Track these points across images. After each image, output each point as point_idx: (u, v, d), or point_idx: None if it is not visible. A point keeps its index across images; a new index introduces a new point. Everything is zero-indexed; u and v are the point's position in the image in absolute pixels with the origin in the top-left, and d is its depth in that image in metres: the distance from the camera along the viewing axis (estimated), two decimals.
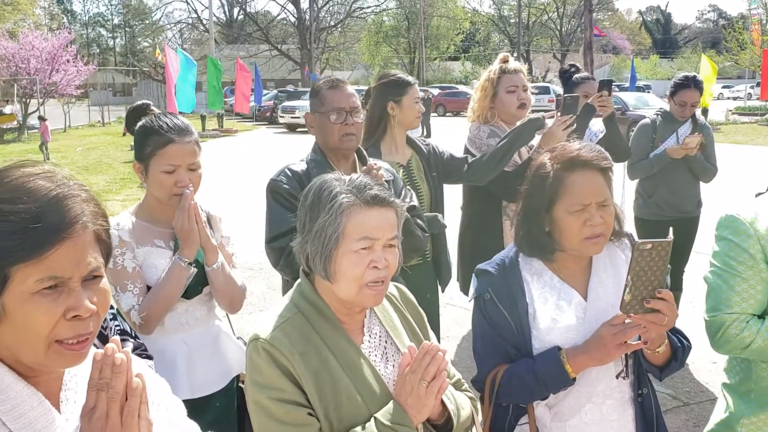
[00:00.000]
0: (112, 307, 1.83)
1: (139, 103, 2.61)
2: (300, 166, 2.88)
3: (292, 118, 29.20)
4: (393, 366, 1.78)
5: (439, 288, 3.69)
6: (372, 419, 1.64)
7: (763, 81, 23.37)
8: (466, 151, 3.73)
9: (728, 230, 2.17)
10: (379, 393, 1.70)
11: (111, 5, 79.39)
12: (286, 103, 31.03)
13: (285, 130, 29.72)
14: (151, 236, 2.45)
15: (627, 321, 1.90)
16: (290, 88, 40.96)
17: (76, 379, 1.24)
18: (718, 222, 2.23)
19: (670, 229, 1.93)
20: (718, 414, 2.32)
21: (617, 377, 2.04)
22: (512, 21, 65.93)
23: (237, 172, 16.15)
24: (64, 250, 1.08)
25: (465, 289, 3.93)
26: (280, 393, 1.61)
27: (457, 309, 6.05)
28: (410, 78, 3.62)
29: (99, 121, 35.82)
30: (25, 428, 1.10)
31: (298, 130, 28.46)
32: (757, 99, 34.06)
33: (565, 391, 2.03)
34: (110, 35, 78.35)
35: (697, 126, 5.08)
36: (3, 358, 1.12)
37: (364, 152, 3.03)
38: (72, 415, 1.18)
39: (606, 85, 4.30)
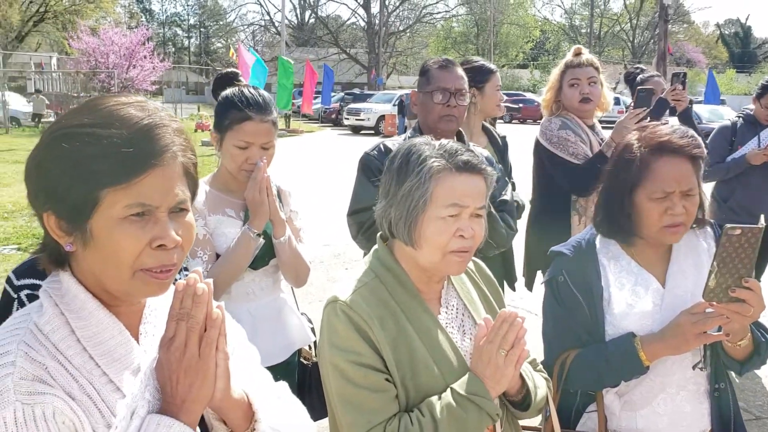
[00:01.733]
0: (185, 269, 1.85)
1: (228, 70, 2.65)
2: (396, 143, 2.87)
3: (357, 120, 29.42)
4: (470, 339, 1.74)
5: (506, 285, 3.63)
6: (448, 390, 1.61)
7: None
8: (537, 144, 3.65)
9: None
10: (456, 365, 1.66)
11: (188, 6, 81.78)
12: (352, 105, 31.28)
13: (349, 132, 29.92)
14: (222, 205, 2.47)
15: (708, 310, 1.82)
16: (356, 90, 41.32)
17: (156, 314, 1.24)
18: None
19: (761, 216, 1.83)
20: None
21: (694, 368, 1.95)
22: (583, 31, 64.90)
23: (300, 171, 16.35)
24: (154, 177, 1.08)
25: (530, 285, 3.85)
26: (358, 356, 1.59)
27: (519, 312, 5.93)
28: (492, 65, 3.57)
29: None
30: (104, 355, 1.11)
31: (362, 132, 28.59)
32: None
33: (637, 380, 1.95)
34: (185, 35, 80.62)
35: None
36: (88, 285, 1.13)
37: (465, 136, 2.98)
38: (150, 348, 1.18)
39: (679, 77, 4.09)
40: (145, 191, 1.08)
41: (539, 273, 3.76)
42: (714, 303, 1.77)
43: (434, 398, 1.60)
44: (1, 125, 26.20)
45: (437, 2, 57.93)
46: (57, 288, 1.14)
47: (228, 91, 2.46)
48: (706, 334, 1.82)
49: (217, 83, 2.59)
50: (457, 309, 1.77)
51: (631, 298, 1.97)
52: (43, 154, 1.10)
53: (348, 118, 30.20)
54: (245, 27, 64.05)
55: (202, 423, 1.23)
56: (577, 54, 3.66)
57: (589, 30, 61.85)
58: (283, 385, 1.43)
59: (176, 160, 1.12)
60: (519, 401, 1.72)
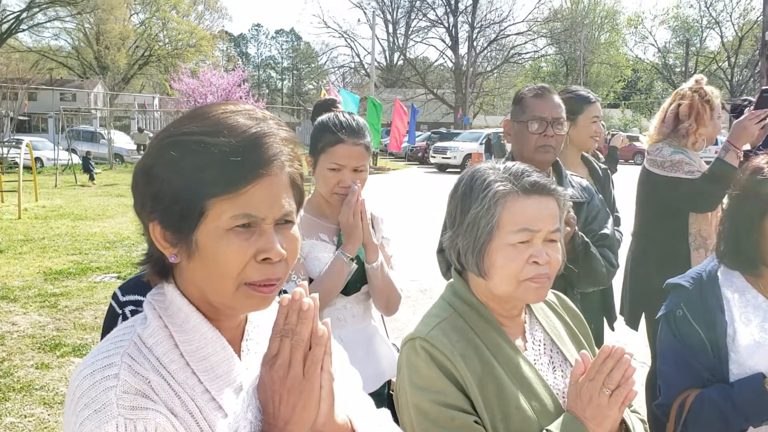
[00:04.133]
0: (283, 291, 1.80)
1: (326, 98, 2.65)
2: None
3: (443, 158, 29.44)
4: (562, 377, 1.59)
5: (605, 323, 3.42)
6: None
7: None
8: (646, 173, 3.43)
9: None
10: (549, 405, 1.51)
11: (282, 50, 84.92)
12: (438, 144, 31.39)
13: (435, 170, 29.96)
14: (316, 230, 2.44)
15: None
16: (443, 129, 41.46)
17: (258, 330, 1.19)
18: None
19: None
20: None
21: None
22: (677, 70, 63.14)
23: (387, 207, 16.40)
24: (261, 188, 1.03)
25: (634, 324, 3.60)
26: (443, 396, 1.45)
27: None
28: (591, 95, 3.42)
29: None
30: (207, 371, 1.06)
31: (448, 170, 28.55)
32: None
33: (767, 426, 1.75)
34: (279, 77, 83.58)
35: None
36: (191, 298, 1.09)
37: (562, 166, 2.84)
38: (252, 365, 1.12)
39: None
40: (252, 202, 1.03)
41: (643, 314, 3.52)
42: None
43: None
44: (107, 161, 27.73)
45: (526, 42, 57.71)
46: (161, 300, 1.10)
47: (323, 116, 2.45)
48: None
49: (316, 110, 2.59)
50: (543, 343, 1.63)
51: (759, 335, 1.78)
52: (151, 161, 1.07)
53: (434, 156, 30.29)
54: (336, 69, 65.71)
55: None
56: (699, 84, 3.45)
57: (684, 69, 60.08)
58: (386, 413, 1.33)
59: (283, 170, 1.07)
60: None
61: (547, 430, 1.45)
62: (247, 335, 1.17)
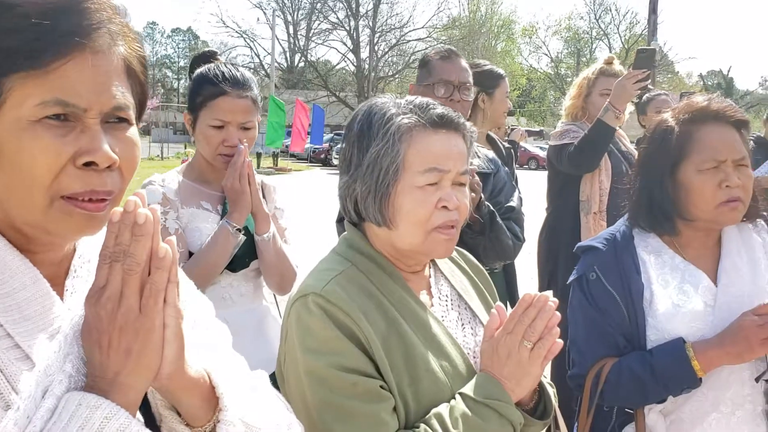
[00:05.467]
0: None
1: (206, 49, 2.37)
2: None
3: None
4: (472, 334, 1.42)
5: (509, 304, 3.31)
6: (458, 396, 1.27)
7: None
8: (548, 150, 3.46)
9: None
10: (461, 365, 1.33)
11: (178, 48, 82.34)
12: (341, 146, 31.20)
13: (338, 171, 29.76)
14: (198, 197, 2.16)
15: None
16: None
17: (89, 267, 0.92)
18: None
19: None
20: None
21: (758, 380, 1.63)
22: (569, 80, 65.74)
23: (289, 208, 16.05)
24: (80, 65, 0.78)
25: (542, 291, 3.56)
26: (343, 359, 1.23)
27: None
28: (501, 71, 3.33)
29: (158, 155, 36.57)
30: (8, 311, 0.79)
31: None
32: None
33: (687, 395, 1.64)
34: (175, 77, 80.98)
35: None
36: None
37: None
38: (77, 306, 0.86)
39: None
40: (68, 84, 0.77)
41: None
42: None
43: (443, 408, 1.25)
44: None
45: (426, 49, 58.48)
46: None
47: (202, 68, 2.18)
48: None
49: (193, 64, 2.29)
50: (450, 298, 1.45)
51: (677, 297, 1.67)
52: None
53: (337, 158, 29.97)
54: None
55: (148, 411, 0.90)
56: (610, 63, 3.46)
57: (574, 79, 62.55)
58: (262, 376, 1.10)
59: (114, 48, 0.82)
60: (531, 408, 1.37)
61: (461, 393, 1.27)
62: (74, 271, 0.90)
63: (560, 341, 1.26)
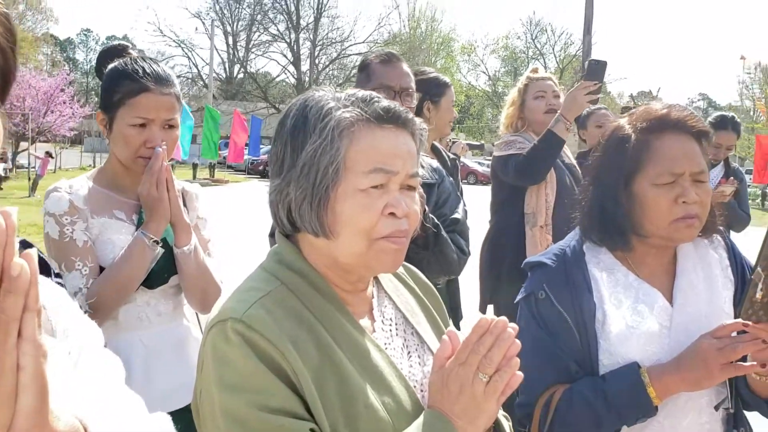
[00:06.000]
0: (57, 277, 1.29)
1: (116, 43, 2.14)
2: None
3: None
4: (419, 364, 1.25)
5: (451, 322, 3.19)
6: None
7: (756, 165, 23.45)
8: (492, 161, 3.37)
9: None
10: (406, 401, 1.16)
11: None
12: (272, 146, 30.82)
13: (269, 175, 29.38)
14: (110, 206, 1.95)
15: (734, 333, 1.42)
16: None
17: None
18: None
19: None
20: None
21: (717, 408, 1.53)
22: (506, 98, 66.92)
23: (225, 220, 15.67)
24: None
25: (483, 309, 3.44)
26: (267, 397, 1.05)
27: None
28: (447, 79, 3.23)
29: (90, 165, 35.45)
30: None
31: None
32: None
33: (642, 424, 1.52)
34: None
35: (731, 170, 4.68)
36: None
37: None
38: None
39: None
40: None
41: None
42: (750, 323, 1.36)
43: None
44: None
45: None
46: None
47: (116, 63, 1.97)
48: (736, 365, 1.41)
49: (101, 59, 2.06)
50: (395, 323, 1.27)
51: (631, 318, 1.56)
52: None
53: None
54: None
55: None
56: (536, 71, 3.46)
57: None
58: (162, 420, 0.91)
59: None
60: None
61: None
62: None
63: (520, 374, 1.10)
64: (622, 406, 1.47)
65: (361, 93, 1.18)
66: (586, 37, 24.80)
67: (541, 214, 3.21)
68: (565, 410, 1.51)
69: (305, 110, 1.16)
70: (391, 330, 1.26)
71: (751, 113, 45.30)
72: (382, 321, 1.26)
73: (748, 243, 1.70)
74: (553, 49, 59.46)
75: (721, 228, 1.68)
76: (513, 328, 1.09)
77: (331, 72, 58.47)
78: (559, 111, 3.16)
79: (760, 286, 1.32)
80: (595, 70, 3.09)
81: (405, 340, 1.27)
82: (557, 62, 56.68)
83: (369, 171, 1.12)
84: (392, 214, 1.13)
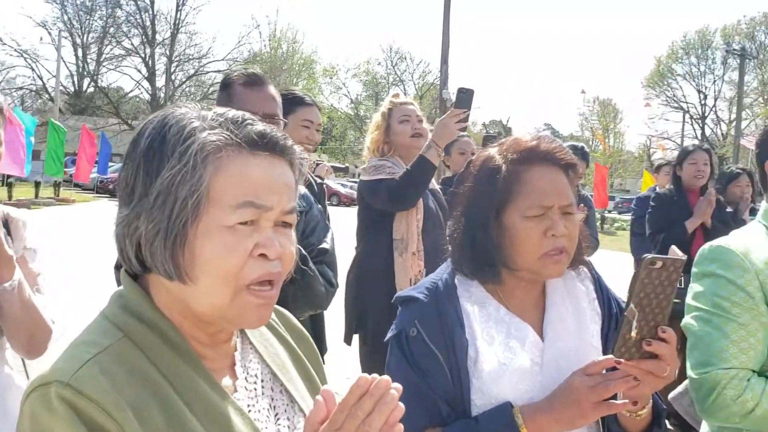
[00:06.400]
0: None
1: None
2: None
3: None
4: (288, 428, 1.11)
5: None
6: None
7: (595, 191, 25.14)
8: (359, 185, 3.29)
9: (717, 264, 1.75)
10: None
11: None
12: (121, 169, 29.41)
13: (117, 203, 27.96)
14: None
15: (605, 370, 1.39)
16: None
17: None
18: (699, 256, 1.81)
19: (672, 247, 1.44)
20: None
21: None
22: (367, 121, 68.04)
23: (69, 242, 14.62)
24: None
25: (348, 339, 3.31)
26: None
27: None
28: (307, 98, 3.09)
29: None
30: None
31: None
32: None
33: None
34: None
35: (580, 198, 4.89)
36: None
37: None
38: None
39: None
40: None
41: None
42: (623, 360, 1.33)
43: None
44: None
45: None
46: None
47: None
48: (608, 403, 1.38)
49: None
50: (261, 381, 1.12)
51: (503, 354, 1.49)
52: None
53: None
54: (13, 90, 58.61)
55: None
56: (397, 96, 3.45)
57: (371, 120, 64.68)
58: None
59: None
60: None
61: None
62: None
63: None
64: None
65: (232, 113, 1.02)
66: (443, 66, 25.70)
67: (413, 240, 3.17)
68: None
69: (164, 129, 0.98)
70: (256, 389, 1.10)
71: (590, 143, 48.86)
72: (246, 378, 1.09)
73: (597, 266, 1.70)
74: (412, 76, 61.22)
75: (587, 260, 1.67)
76: (396, 389, 0.95)
77: (188, 89, 56.81)
78: (430, 137, 3.15)
79: (633, 324, 1.30)
80: (464, 98, 3.10)
81: (272, 400, 1.12)
82: (416, 89, 58.42)
83: (237, 205, 0.96)
84: (263, 255, 0.98)
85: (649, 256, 1.29)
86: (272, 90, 2.36)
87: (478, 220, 1.53)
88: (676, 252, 1.37)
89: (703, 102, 55.10)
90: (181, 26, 53.96)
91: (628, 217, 23.88)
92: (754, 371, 1.68)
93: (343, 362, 3.43)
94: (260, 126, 1.01)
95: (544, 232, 1.47)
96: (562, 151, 1.55)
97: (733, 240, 1.80)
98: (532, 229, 1.48)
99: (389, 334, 1.57)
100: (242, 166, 0.97)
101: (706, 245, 1.83)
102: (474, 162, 1.63)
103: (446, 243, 2.07)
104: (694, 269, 1.82)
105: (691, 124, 55.26)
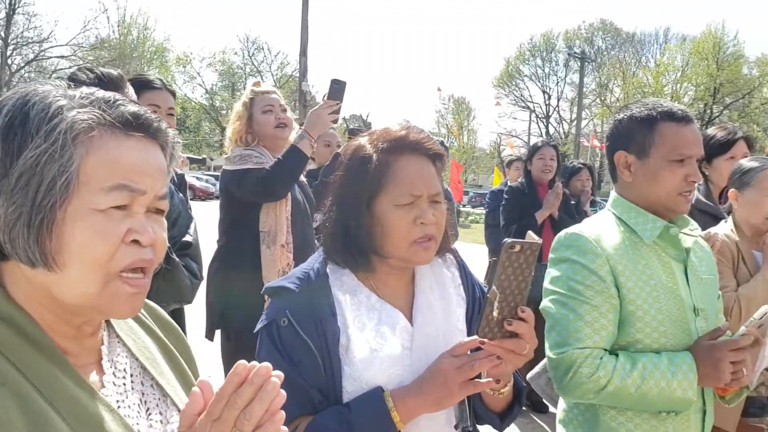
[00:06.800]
0: None
1: None
2: None
3: None
4: (161, 422, 1.06)
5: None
6: None
7: (451, 186, 26.16)
8: (223, 175, 3.21)
9: (572, 250, 1.88)
10: None
11: None
12: None
13: None
14: None
15: (470, 351, 1.45)
16: None
17: None
18: (555, 242, 1.93)
19: (529, 232, 1.53)
20: None
21: (457, 428, 1.54)
22: (223, 112, 66.34)
23: None
24: None
25: (210, 335, 3.22)
26: None
27: None
28: (156, 81, 2.96)
29: None
30: None
31: None
32: None
33: None
34: None
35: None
36: None
37: None
38: None
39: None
40: None
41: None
42: (487, 340, 1.40)
43: None
44: None
45: (71, 67, 53.91)
46: None
47: None
48: (474, 382, 1.44)
49: None
50: (131, 374, 1.07)
51: (375, 341, 1.52)
52: None
53: None
54: None
55: None
56: (258, 84, 3.37)
57: (227, 111, 63.31)
58: None
59: None
60: None
61: None
62: None
63: (285, 429, 0.95)
64: (368, 431, 1.42)
65: (102, 93, 0.97)
66: (301, 58, 25.57)
67: (282, 232, 3.12)
68: None
69: (25, 107, 0.91)
70: (125, 384, 1.05)
71: (447, 139, 50.64)
72: (114, 374, 1.04)
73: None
74: (270, 67, 60.47)
75: (453, 247, 1.73)
76: (278, 376, 0.93)
77: (27, 75, 52.81)
78: (302, 128, 3.14)
79: (495, 304, 1.36)
80: (337, 90, 3.15)
81: (143, 394, 1.07)
82: (274, 81, 57.74)
83: (110, 188, 0.92)
84: (135, 241, 0.94)
85: (509, 240, 1.36)
86: (131, 92, 2.26)
87: (350, 209, 1.55)
88: (532, 237, 1.45)
89: (547, 102, 58.82)
90: (18, 6, 50.03)
91: (481, 210, 25.04)
92: (606, 350, 1.83)
93: (203, 359, 3.34)
94: (133, 107, 0.97)
95: (413, 220, 1.51)
96: (430, 141, 1.59)
97: (586, 227, 1.94)
98: (402, 218, 1.51)
99: (259, 325, 1.55)
100: (115, 147, 0.93)
101: (562, 232, 1.96)
102: (345, 151, 1.64)
103: (314, 235, 2.07)
104: (551, 255, 1.94)
105: (537, 123, 58.84)
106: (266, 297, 1.63)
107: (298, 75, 28.82)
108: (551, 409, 5.56)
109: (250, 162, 3.15)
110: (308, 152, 3.11)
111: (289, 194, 3.20)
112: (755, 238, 2.67)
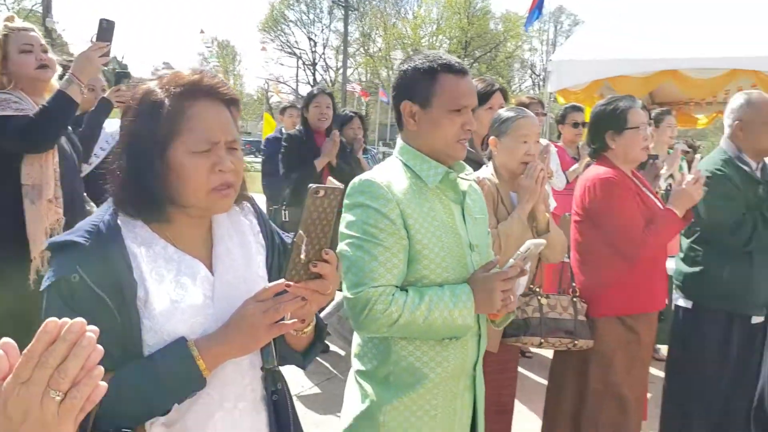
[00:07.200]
0: None
1: None
2: None
3: None
4: None
5: None
6: None
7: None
8: None
9: (365, 195, 1.99)
10: None
11: None
12: None
13: None
14: None
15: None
16: None
17: None
18: (350, 189, 2.02)
19: (330, 178, 1.59)
20: (355, 406, 2.06)
21: (263, 370, 1.57)
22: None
23: None
24: None
25: None
26: None
27: None
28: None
29: None
30: None
31: None
32: None
33: (191, 399, 1.48)
34: None
35: None
36: None
37: None
38: None
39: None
40: None
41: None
42: (293, 283, 1.44)
43: None
44: None
45: None
46: None
47: None
48: (279, 324, 1.48)
49: None
50: None
51: (175, 292, 1.49)
52: None
53: None
54: None
55: None
56: (12, 20, 3.05)
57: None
58: None
59: None
60: None
61: None
62: None
63: (104, 384, 0.90)
64: (173, 383, 1.41)
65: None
66: None
67: (49, 186, 2.86)
68: (115, 398, 1.36)
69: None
70: None
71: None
72: None
73: None
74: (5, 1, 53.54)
75: (249, 195, 1.74)
76: (94, 331, 0.89)
77: None
78: (70, 72, 2.89)
79: (302, 248, 1.41)
80: (106, 30, 2.95)
81: None
82: (11, 11, 51.31)
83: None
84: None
85: (314, 186, 1.40)
86: None
87: (142, 157, 1.48)
88: (334, 182, 1.51)
89: (313, 49, 59.08)
90: None
91: (251, 159, 24.73)
92: (397, 287, 1.97)
93: None
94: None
95: (211, 168, 1.48)
96: (225, 86, 1.56)
97: (378, 174, 2.05)
98: (199, 165, 1.48)
99: (45, 283, 1.44)
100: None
101: (356, 179, 2.06)
102: (133, 96, 1.55)
103: (83, 187, 1.93)
104: (346, 201, 2.03)
105: (304, 70, 59.00)
106: (49, 252, 1.51)
107: (42, 10, 25.90)
108: (332, 347, 5.83)
109: (9, 108, 2.84)
110: (78, 98, 2.88)
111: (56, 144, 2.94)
112: (512, 180, 3.00)
